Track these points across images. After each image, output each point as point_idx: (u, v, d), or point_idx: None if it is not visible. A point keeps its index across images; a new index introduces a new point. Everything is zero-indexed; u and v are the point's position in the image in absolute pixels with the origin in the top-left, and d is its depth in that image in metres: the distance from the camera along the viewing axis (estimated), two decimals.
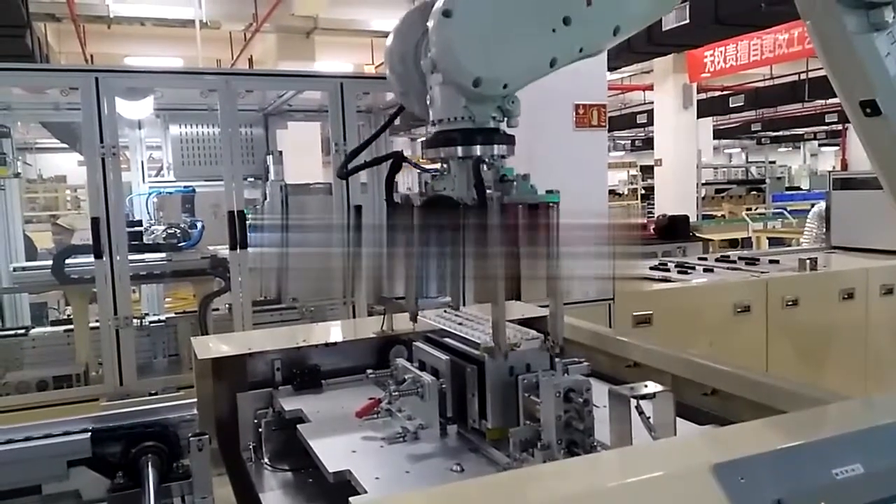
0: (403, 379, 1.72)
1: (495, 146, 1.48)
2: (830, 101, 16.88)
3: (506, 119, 1.47)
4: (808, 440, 1.10)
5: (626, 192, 22.35)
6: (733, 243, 11.99)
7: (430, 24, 1.36)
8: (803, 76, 15.08)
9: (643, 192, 21.17)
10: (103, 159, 3.63)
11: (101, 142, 3.62)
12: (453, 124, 1.45)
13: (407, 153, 1.57)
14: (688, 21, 8.97)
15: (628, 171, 23.36)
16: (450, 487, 1.19)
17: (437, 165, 1.57)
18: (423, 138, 1.56)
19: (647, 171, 20.21)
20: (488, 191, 1.43)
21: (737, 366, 1.72)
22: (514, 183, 1.45)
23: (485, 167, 1.44)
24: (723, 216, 14.36)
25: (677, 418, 1.64)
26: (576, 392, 1.37)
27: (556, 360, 1.55)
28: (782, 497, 0.98)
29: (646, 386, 1.31)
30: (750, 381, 1.62)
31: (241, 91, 4.18)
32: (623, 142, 26.73)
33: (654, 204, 15.28)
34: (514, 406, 1.52)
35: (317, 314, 4.20)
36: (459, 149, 1.47)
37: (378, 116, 5.23)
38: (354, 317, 3.95)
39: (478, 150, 1.47)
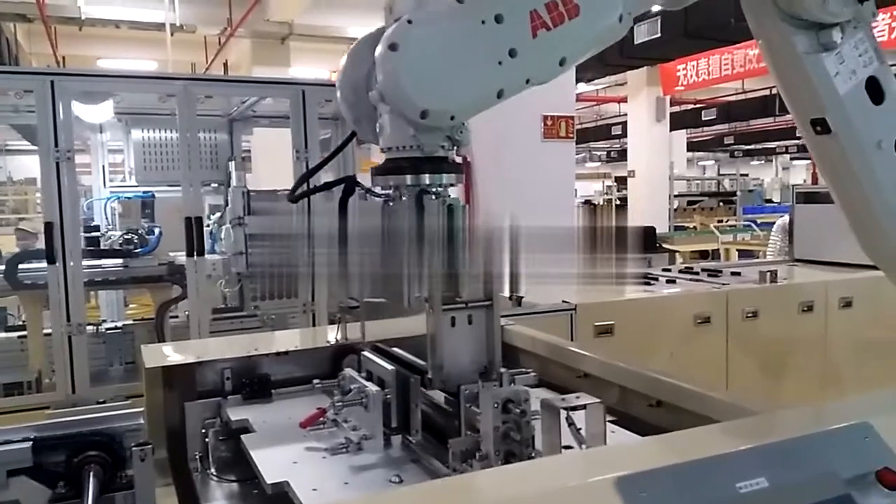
0: (349, 389, 1.71)
1: (443, 175, 1.50)
2: None
3: (455, 147, 1.48)
4: (714, 454, 1.10)
5: (601, 203, 22.55)
6: (704, 254, 12.11)
7: (376, 56, 1.37)
8: (774, 91, 15.32)
9: (618, 202, 21.37)
10: (58, 163, 3.58)
11: (56, 145, 3.58)
12: (402, 153, 1.46)
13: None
14: (659, 35, 9.10)
15: (603, 182, 23.59)
16: (375, 497, 1.18)
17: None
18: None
19: (622, 181, 20.40)
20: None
21: (682, 378, 1.74)
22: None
23: (432, 196, 1.46)
24: (694, 228, 14.50)
25: (623, 429, 1.65)
26: (514, 403, 1.38)
27: (503, 370, 1.56)
28: None
29: (577, 397, 1.31)
30: (692, 393, 1.64)
31: (201, 96, 4.13)
32: (598, 153, 26.96)
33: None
34: (455, 417, 1.52)
35: (278, 322, 4.16)
36: (408, 177, 1.49)
37: (344, 124, 5.21)
38: (314, 325, 3.92)
39: (426, 178, 1.48)
